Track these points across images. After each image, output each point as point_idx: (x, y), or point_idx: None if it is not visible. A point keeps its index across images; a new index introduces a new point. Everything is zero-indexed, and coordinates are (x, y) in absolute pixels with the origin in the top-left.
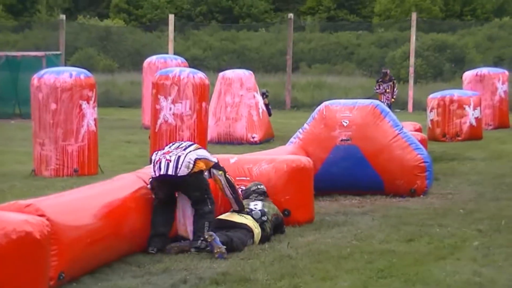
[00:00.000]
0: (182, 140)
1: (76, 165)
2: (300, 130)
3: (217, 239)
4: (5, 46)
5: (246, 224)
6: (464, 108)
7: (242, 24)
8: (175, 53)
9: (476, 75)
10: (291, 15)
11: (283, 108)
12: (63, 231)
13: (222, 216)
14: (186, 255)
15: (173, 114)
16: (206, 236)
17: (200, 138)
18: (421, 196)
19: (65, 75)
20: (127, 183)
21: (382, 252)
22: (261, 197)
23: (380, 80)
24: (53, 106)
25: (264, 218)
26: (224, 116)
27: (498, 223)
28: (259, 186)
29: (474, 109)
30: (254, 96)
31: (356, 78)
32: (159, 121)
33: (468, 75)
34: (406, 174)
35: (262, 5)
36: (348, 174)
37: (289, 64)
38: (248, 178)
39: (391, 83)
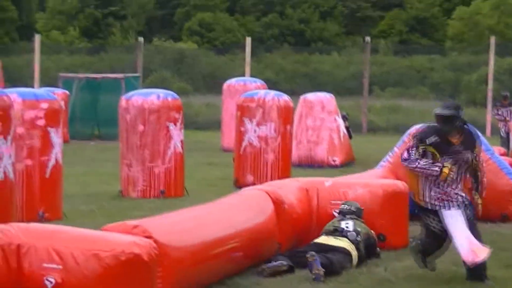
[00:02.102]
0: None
1: (162, 187)
2: (390, 153)
3: (318, 260)
4: (81, 68)
5: (344, 248)
6: None
7: (314, 47)
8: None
9: None
10: (368, 38)
11: (360, 132)
12: (169, 252)
13: (318, 240)
14: (284, 278)
15: (258, 136)
16: (308, 255)
17: (284, 160)
18: None
19: (152, 97)
20: (247, 199)
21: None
22: (353, 216)
23: (499, 104)
24: (140, 127)
25: (359, 238)
26: (305, 139)
27: None
28: (352, 205)
29: None
30: (335, 119)
31: (430, 102)
32: (243, 143)
33: None
34: (498, 199)
35: (334, 29)
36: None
37: (365, 87)
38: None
39: (509, 108)
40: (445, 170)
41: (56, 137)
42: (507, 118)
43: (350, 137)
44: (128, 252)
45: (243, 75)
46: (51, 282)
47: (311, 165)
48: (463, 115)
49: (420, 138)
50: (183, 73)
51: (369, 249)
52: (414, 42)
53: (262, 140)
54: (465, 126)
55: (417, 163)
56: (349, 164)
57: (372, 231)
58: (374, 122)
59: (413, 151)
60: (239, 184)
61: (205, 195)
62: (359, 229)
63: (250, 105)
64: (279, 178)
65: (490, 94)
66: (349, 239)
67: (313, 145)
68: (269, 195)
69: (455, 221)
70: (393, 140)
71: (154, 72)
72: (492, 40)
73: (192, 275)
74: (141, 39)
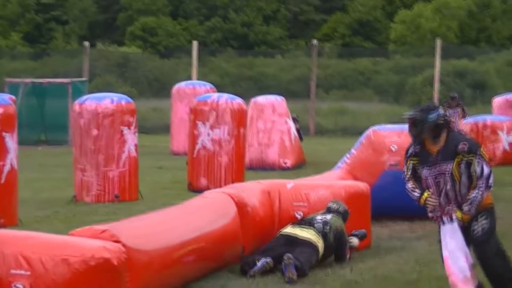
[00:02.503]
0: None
1: (117, 191)
2: (347, 155)
3: (293, 264)
4: (24, 73)
5: (310, 241)
6: (497, 133)
7: (258, 51)
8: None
9: (507, 100)
10: (315, 41)
11: (307, 134)
12: (137, 256)
13: (285, 231)
14: (251, 280)
15: (212, 139)
16: (285, 258)
17: (238, 163)
18: None
19: (106, 101)
20: (211, 202)
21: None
22: (339, 216)
23: (447, 105)
24: (94, 132)
25: (327, 229)
26: (256, 142)
27: None
28: (341, 206)
29: (508, 134)
30: (286, 122)
31: (376, 104)
32: (197, 147)
33: (498, 100)
34: None
35: (277, 32)
36: (397, 200)
37: (313, 90)
38: (305, 204)
39: (459, 109)
40: (423, 198)
41: (11, 142)
42: (453, 119)
43: (301, 139)
44: (98, 257)
45: (188, 78)
46: None
47: (262, 167)
48: (435, 119)
49: (406, 151)
50: (127, 77)
51: (339, 246)
52: (357, 45)
53: (215, 143)
54: (453, 133)
55: (406, 186)
56: (300, 166)
57: (345, 231)
58: (321, 124)
59: (404, 169)
60: (192, 188)
61: (160, 199)
62: (331, 222)
63: (204, 108)
64: (233, 181)
65: (436, 96)
66: (315, 229)
67: (264, 148)
68: (233, 198)
69: (444, 238)
70: (341, 142)
71: (98, 77)
72: (438, 42)
73: (159, 279)
74: (86, 43)
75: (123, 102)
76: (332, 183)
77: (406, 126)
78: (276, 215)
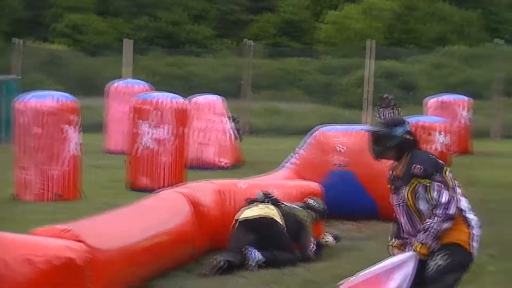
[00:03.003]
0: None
1: (58, 190)
2: (294, 155)
3: (252, 254)
4: None
5: (267, 217)
6: (432, 134)
7: (187, 50)
8: (122, 78)
9: (439, 101)
10: (249, 41)
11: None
12: (98, 256)
13: (243, 215)
14: (211, 279)
15: (153, 138)
16: (243, 248)
17: (179, 163)
18: None
19: (49, 99)
20: (166, 202)
21: None
22: (311, 210)
23: (379, 105)
24: (36, 130)
25: (289, 213)
26: (194, 141)
27: (506, 248)
28: (319, 204)
29: (443, 135)
30: (224, 121)
31: (306, 105)
32: (138, 146)
33: (431, 101)
34: None
35: (206, 31)
36: (343, 200)
37: (246, 89)
38: None
39: (392, 110)
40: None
41: None
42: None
43: (240, 139)
44: (62, 257)
45: (118, 77)
46: None
47: (200, 167)
48: (400, 135)
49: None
50: (56, 75)
51: (299, 237)
52: (286, 45)
53: (157, 143)
54: (415, 152)
55: None
56: (238, 166)
57: (307, 224)
58: (254, 124)
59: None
60: (133, 186)
61: (101, 198)
62: (297, 211)
63: (146, 107)
64: (175, 180)
65: (366, 97)
66: (267, 204)
67: (202, 147)
68: (187, 198)
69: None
70: (275, 141)
71: (26, 75)
72: (370, 44)
73: (119, 278)
74: (18, 40)
75: (66, 101)
76: (284, 182)
77: (353, 127)
78: (229, 214)
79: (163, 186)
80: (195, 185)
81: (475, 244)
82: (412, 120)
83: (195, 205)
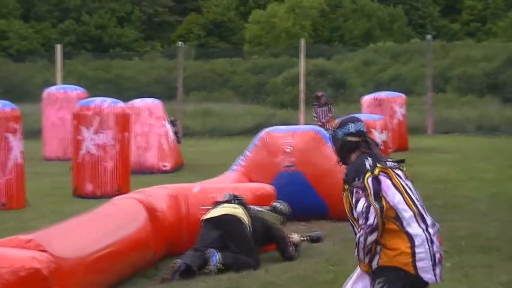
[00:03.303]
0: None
1: (4, 199)
2: (242, 157)
3: (214, 257)
4: None
5: (233, 215)
6: (371, 132)
7: (115, 53)
8: (49, 84)
9: (375, 99)
10: (180, 43)
11: None
12: (62, 265)
13: (208, 215)
14: (177, 284)
15: (96, 144)
16: (206, 251)
17: (123, 168)
18: None
19: None
20: (122, 209)
21: None
22: (277, 213)
23: (316, 104)
24: None
25: (257, 215)
26: (134, 146)
27: (457, 244)
28: (285, 207)
29: (381, 132)
30: (163, 125)
31: (239, 105)
32: (81, 152)
33: (366, 99)
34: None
35: (132, 34)
36: (292, 200)
37: (180, 92)
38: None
39: (325, 107)
40: None
41: None
42: (322, 120)
43: (179, 142)
44: (28, 267)
45: (46, 82)
46: None
47: (141, 171)
48: (341, 136)
49: None
50: None
51: (273, 239)
52: (213, 46)
53: (100, 148)
54: (360, 156)
55: None
56: (179, 168)
57: (282, 233)
58: (188, 126)
59: None
60: (78, 193)
61: (47, 206)
62: (263, 214)
63: (87, 113)
64: (119, 185)
65: (302, 96)
66: (234, 205)
67: (142, 151)
68: (142, 203)
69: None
70: (210, 143)
71: None
72: (302, 42)
73: (85, 286)
74: None
75: (7, 109)
76: (238, 185)
77: (299, 127)
78: (184, 218)
79: (108, 192)
80: (149, 190)
81: (422, 264)
82: None
83: (150, 211)
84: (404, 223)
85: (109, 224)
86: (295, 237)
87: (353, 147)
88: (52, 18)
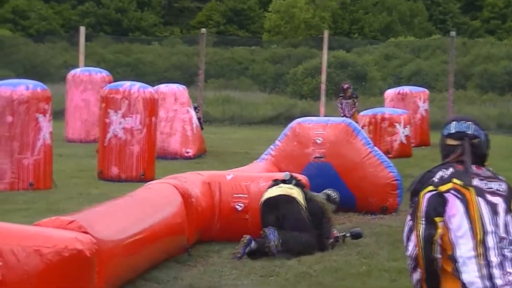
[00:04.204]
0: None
1: (31, 179)
2: (272, 146)
3: (271, 235)
4: None
5: (287, 195)
6: (395, 126)
7: (134, 37)
8: (69, 66)
9: (398, 93)
10: (203, 30)
11: None
12: (103, 247)
13: (266, 195)
14: (211, 271)
15: (123, 128)
16: (261, 231)
17: (149, 153)
18: (393, 213)
19: (21, 87)
20: (157, 193)
21: (398, 270)
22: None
23: (341, 95)
24: (9, 118)
25: (314, 198)
26: (158, 131)
27: None
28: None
29: (404, 127)
30: (187, 111)
31: (259, 94)
32: (108, 135)
33: (390, 93)
34: (379, 191)
35: (152, 19)
36: (321, 191)
37: (201, 79)
38: (246, 195)
39: (350, 100)
40: None
41: None
42: (347, 114)
43: (202, 128)
44: (71, 248)
45: (65, 64)
46: None
47: (164, 156)
48: (441, 137)
49: None
50: (4, 62)
51: (319, 225)
52: (232, 34)
53: (127, 132)
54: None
55: None
56: (202, 155)
57: (327, 208)
58: (209, 113)
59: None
60: (103, 176)
61: (73, 188)
62: (321, 199)
63: (116, 96)
64: (144, 170)
65: (323, 87)
66: (290, 185)
67: (166, 137)
68: (177, 189)
69: None
70: (231, 131)
71: None
72: (326, 33)
73: (122, 269)
74: None
75: (38, 89)
76: (272, 174)
77: (331, 119)
78: (216, 206)
79: (133, 176)
80: (183, 176)
81: None
82: (376, 112)
83: (185, 196)
84: (459, 265)
85: (146, 208)
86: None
87: (450, 152)
88: (72, 0)
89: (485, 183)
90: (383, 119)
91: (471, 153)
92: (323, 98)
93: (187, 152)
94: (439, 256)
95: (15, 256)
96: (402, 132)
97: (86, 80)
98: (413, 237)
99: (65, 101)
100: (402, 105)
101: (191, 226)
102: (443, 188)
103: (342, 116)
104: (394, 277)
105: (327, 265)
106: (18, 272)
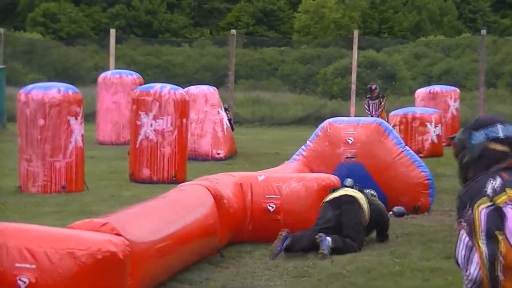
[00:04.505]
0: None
1: (63, 182)
2: (303, 147)
3: (325, 241)
4: None
5: (352, 196)
6: (426, 125)
7: (164, 39)
8: (99, 68)
9: (429, 92)
10: (233, 31)
11: None
12: (136, 249)
13: (331, 196)
14: (243, 272)
15: (154, 130)
16: (316, 236)
17: (180, 154)
18: (425, 213)
19: (53, 90)
20: (190, 195)
21: (431, 269)
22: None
23: (368, 96)
24: (41, 121)
25: (374, 199)
26: (189, 132)
27: None
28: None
29: (435, 126)
30: (218, 112)
31: (289, 94)
32: (139, 137)
33: (420, 92)
34: (410, 191)
35: (182, 20)
36: None
37: (231, 80)
38: (278, 196)
39: (377, 100)
40: None
41: None
42: (373, 115)
43: (232, 129)
44: (105, 251)
45: (96, 66)
46: (24, 282)
47: (195, 158)
48: (482, 139)
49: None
50: (36, 65)
51: (383, 223)
52: (261, 35)
53: (158, 134)
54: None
55: None
56: (232, 156)
57: (384, 209)
58: (239, 114)
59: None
60: (134, 178)
61: (105, 190)
62: (376, 199)
63: (146, 98)
64: (175, 171)
65: (354, 87)
66: (355, 190)
67: (197, 138)
68: (209, 190)
69: None
70: (260, 132)
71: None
72: (356, 33)
73: (155, 271)
74: (0, 29)
75: (70, 92)
76: (303, 175)
77: (362, 119)
78: (248, 207)
79: (164, 178)
80: (215, 177)
81: None
82: (407, 111)
83: (217, 198)
84: None
85: (178, 209)
86: None
87: (497, 159)
88: (103, 2)
89: None
90: (414, 118)
91: None
92: (353, 98)
93: (218, 153)
94: (501, 276)
95: (49, 258)
96: (433, 132)
97: (117, 82)
98: (475, 258)
99: (96, 103)
100: (433, 104)
101: (223, 227)
102: (499, 199)
103: (370, 117)
104: (427, 277)
105: (359, 265)
106: (52, 274)
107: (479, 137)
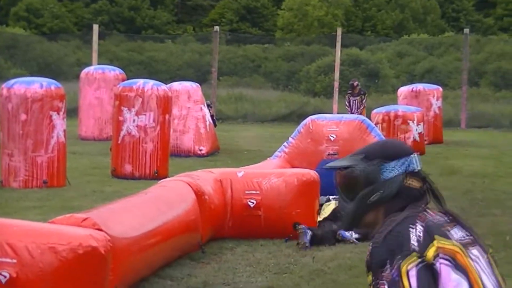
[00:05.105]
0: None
1: (45, 177)
2: (285, 143)
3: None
4: None
5: None
6: (408, 124)
7: (147, 35)
8: (82, 64)
9: (412, 90)
10: (217, 28)
11: None
12: (117, 244)
13: (321, 216)
14: (225, 268)
15: (137, 126)
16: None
17: (163, 150)
18: None
19: (35, 85)
20: (171, 191)
21: None
22: None
23: (349, 92)
24: (23, 116)
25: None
26: (172, 129)
27: (502, 239)
28: None
29: (418, 124)
30: (201, 109)
31: (272, 91)
32: (122, 133)
33: (403, 90)
34: None
35: (165, 17)
36: (334, 188)
37: (214, 76)
38: (258, 192)
39: (358, 97)
40: None
41: None
42: (354, 112)
43: (215, 126)
44: (86, 245)
45: (78, 62)
46: (5, 277)
47: (177, 154)
48: (398, 173)
49: None
50: (18, 60)
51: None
52: (245, 32)
53: (141, 130)
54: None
55: None
56: (215, 153)
57: None
58: (222, 111)
59: None
60: (116, 173)
61: (87, 185)
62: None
63: (129, 94)
64: (158, 167)
65: (337, 85)
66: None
67: (179, 134)
68: (191, 186)
69: None
70: (243, 128)
71: None
72: (339, 31)
73: (137, 266)
74: None
75: (52, 87)
76: (283, 171)
77: (344, 116)
78: (228, 204)
79: (147, 174)
80: (195, 174)
81: None
82: (390, 109)
83: (199, 194)
84: None
85: (160, 205)
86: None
87: (413, 198)
88: None
89: (456, 232)
90: (396, 116)
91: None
92: (336, 95)
93: (200, 150)
94: None
95: (30, 253)
96: (415, 130)
97: (100, 78)
98: None
99: (79, 99)
100: (416, 103)
101: (205, 223)
102: (429, 254)
103: (350, 113)
104: None
105: (341, 263)
106: (33, 269)
107: (394, 169)
